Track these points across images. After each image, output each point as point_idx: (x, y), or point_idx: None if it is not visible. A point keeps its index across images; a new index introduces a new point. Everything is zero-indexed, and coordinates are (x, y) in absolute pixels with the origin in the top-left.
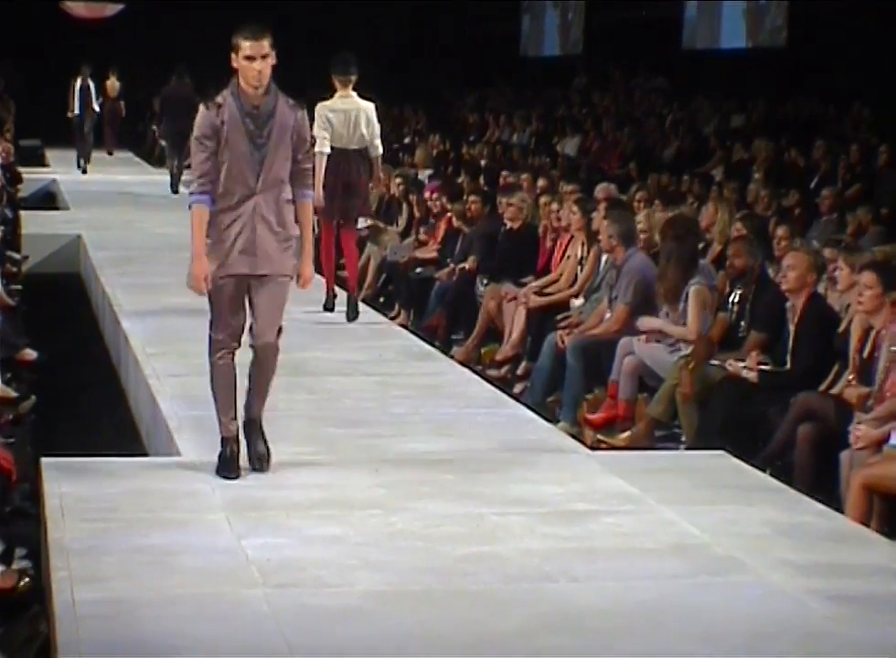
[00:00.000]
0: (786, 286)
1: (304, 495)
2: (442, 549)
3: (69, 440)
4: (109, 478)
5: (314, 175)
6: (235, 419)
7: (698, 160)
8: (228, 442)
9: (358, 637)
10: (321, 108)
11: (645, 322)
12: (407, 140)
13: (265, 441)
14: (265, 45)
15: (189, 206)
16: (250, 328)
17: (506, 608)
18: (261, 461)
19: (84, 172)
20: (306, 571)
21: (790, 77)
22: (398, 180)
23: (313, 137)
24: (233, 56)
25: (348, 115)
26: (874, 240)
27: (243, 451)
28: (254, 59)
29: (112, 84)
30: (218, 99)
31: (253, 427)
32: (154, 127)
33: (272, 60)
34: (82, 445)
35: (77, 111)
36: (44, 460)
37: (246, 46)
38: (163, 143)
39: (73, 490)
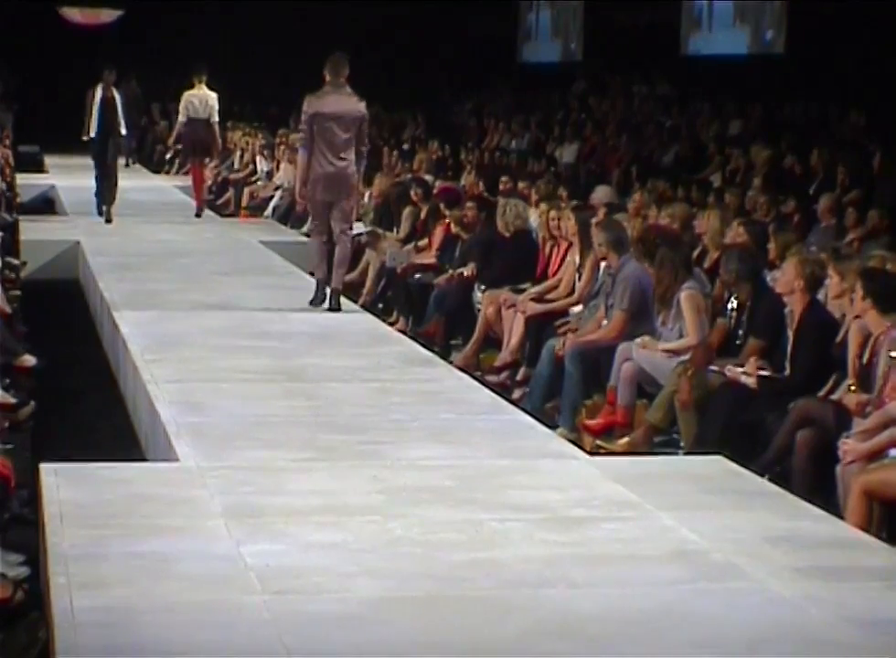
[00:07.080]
0: (777, 290)
1: (302, 502)
2: (440, 556)
3: (68, 446)
4: (107, 484)
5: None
6: None
7: (697, 166)
8: None
9: (357, 643)
10: (186, 94)
11: (646, 343)
12: (406, 146)
13: None
14: None
15: None
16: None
17: (504, 614)
18: None
19: (109, 221)
20: (305, 578)
21: (788, 83)
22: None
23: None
24: None
25: (201, 99)
26: (876, 246)
27: None
28: None
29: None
30: None
31: None
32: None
33: None
34: (81, 451)
35: (93, 134)
36: (42, 466)
37: None
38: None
39: (72, 496)
